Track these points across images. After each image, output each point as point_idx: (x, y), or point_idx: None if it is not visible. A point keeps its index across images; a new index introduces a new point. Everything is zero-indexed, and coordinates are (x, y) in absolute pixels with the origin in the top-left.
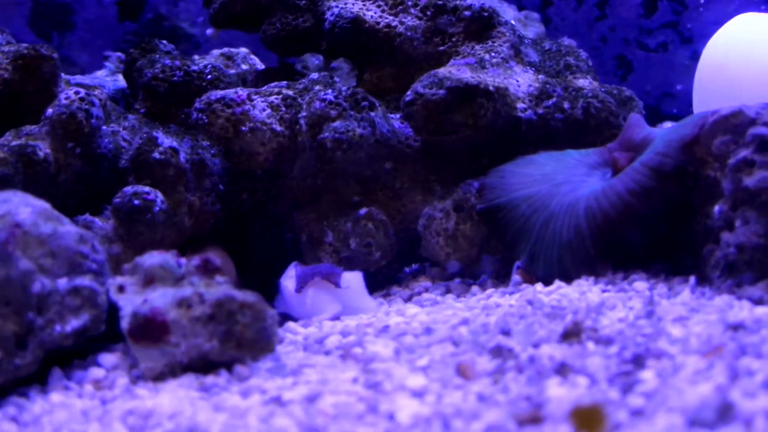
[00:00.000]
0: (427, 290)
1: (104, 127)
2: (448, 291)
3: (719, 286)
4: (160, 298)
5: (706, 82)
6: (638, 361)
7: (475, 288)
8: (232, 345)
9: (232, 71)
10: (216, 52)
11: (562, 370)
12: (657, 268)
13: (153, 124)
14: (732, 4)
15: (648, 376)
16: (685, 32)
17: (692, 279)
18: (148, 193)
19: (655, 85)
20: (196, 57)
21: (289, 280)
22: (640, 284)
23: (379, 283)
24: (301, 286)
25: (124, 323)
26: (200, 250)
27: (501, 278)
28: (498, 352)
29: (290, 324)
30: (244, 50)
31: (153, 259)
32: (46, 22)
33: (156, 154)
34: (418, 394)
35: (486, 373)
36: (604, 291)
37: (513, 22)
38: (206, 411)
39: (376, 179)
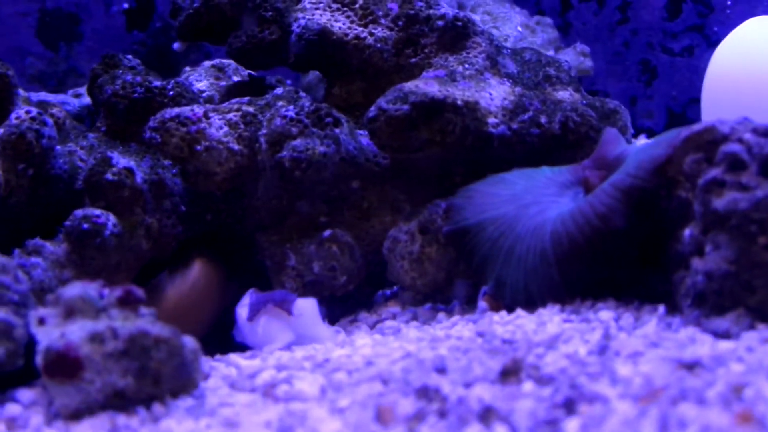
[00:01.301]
0: (394, 316)
1: (59, 147)
2: (414, 318)
3: (688, 317)
4: (78, 331)
5: (715, 91)
6: (569, 406)
7: (441, 315)
8: (149, 382)
9: (223, 83)
10: (207, 63)
11: (486, 415)
12: (630, 295)
13: (113, 143)
14: (760, 5)
15: (572, 425)
16: (711, 35)
17: (661, 309)
18: (98, 217)
19: (681, 90)
20: (187, 68)
21: (243, 308)
22: (606, 314)
23: (350, 308)
24: (253, 314)
25: (39, 358)
26: (188, 259)
27: (473, 304)
28: (424, 392)
29: (232, 356)
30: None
31: (73, 290)
32: (54, 32)
33: (109, 175)
34: None
35: (405, 418)
36: (566, 321)
37: (519, 29)
38: None
39: (344, 199)
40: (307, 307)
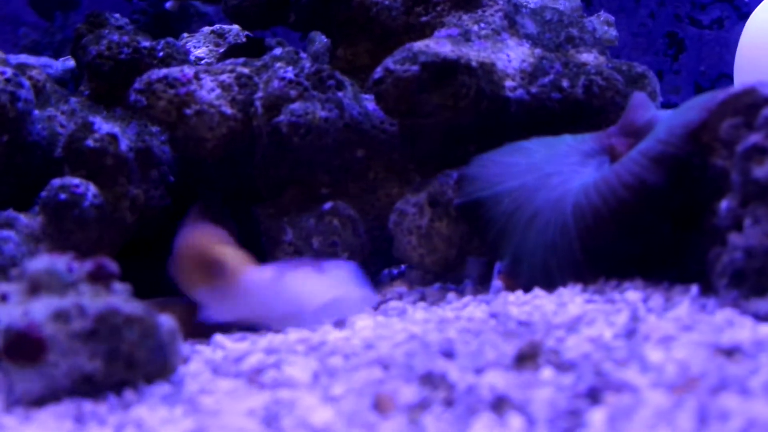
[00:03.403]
0: (400, 297)
1: (37, 112)
2: (422, 298)
3: (724, 298)
4: (41, 309)
5: (748, 64)
6: (593, 396)
7: (451, 295)
8: (120, 366)
9: (222, 49)
10: (207, 29)
11: (499, 405)
12: (660, 274)
13: (96, 107)
14: None
15: (597, 417)
16: (742, 6)
17: (694, 289)
18: (77, 186)
19: (710, 65)
20: (185, 35)
21: (260, 272)
22: (633, 294)
23: None
24: (279, 275)
25: None
26: None
27: (487, 283)
28: (428, 379)
29: (218, 337)
30: (237, 27)
31: (39, 263)
32: (49, 0)
33: (90, 142)
34: None
35: (407, 407)
36: (588, 302)
37: None
38: None
39: (347, 169)
40: (340, 266)
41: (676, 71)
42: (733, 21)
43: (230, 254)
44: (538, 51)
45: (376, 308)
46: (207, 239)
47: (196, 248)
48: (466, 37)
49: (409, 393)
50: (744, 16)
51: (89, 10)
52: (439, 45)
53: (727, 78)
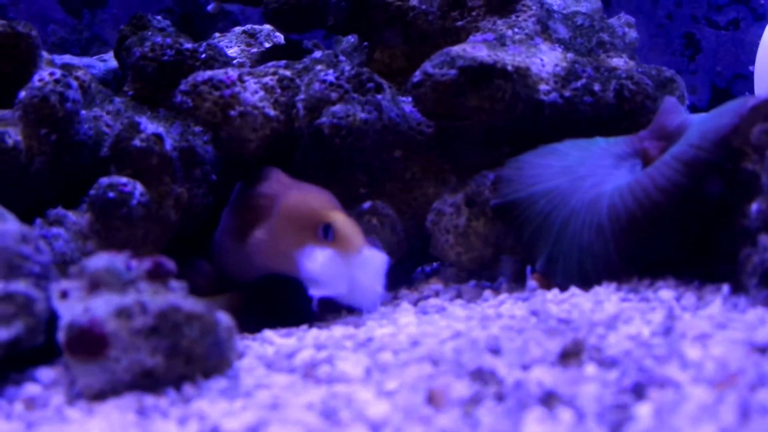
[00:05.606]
0: (437, 294)
1: (84, 112)
2: (459, 295)
3: (755, 297)
4: (103, 306)
5: None
6: (638, 391)
7: (487, 293)
8: (180, 361)
9: (254, 50)
10: (238, 29)
11: (548, 400)
12: (690, 274)
13: (140, 107)
14: None
15: (644, 411)
16: (758, 8)
17: (725, 288)
18: (125, 185)
19: (726, 65)
20: (216, 34)
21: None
22: (666, 293)
23: (389, 285)
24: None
25: (61, 334)
26: None
27: (521, 281)
28: (478, 375)
29: (267, 333)
30: (267, 27)
31: (98, 261)
32: None
33: (137, 142)
34: (376, 427)
35: (460, 402)
36: (623, 300)
37: None
38: None
39: (385, 169)
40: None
41: (693, 71)
42: (748, 22)
43: (343, 221)
44: (570, 55)
45: (414, 304)
46: (320, 201)
47: (308, 207)
48: (501, 41)
49: (461, 388)
50: (760, 17)
51: (116, 9)
52: (476, 49)
53: (743, 78)
